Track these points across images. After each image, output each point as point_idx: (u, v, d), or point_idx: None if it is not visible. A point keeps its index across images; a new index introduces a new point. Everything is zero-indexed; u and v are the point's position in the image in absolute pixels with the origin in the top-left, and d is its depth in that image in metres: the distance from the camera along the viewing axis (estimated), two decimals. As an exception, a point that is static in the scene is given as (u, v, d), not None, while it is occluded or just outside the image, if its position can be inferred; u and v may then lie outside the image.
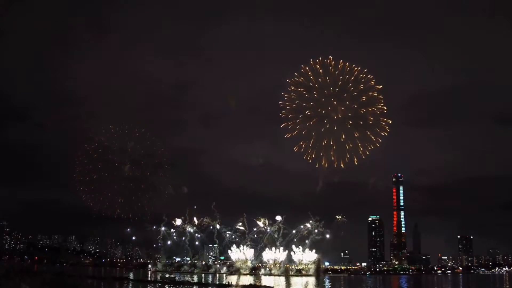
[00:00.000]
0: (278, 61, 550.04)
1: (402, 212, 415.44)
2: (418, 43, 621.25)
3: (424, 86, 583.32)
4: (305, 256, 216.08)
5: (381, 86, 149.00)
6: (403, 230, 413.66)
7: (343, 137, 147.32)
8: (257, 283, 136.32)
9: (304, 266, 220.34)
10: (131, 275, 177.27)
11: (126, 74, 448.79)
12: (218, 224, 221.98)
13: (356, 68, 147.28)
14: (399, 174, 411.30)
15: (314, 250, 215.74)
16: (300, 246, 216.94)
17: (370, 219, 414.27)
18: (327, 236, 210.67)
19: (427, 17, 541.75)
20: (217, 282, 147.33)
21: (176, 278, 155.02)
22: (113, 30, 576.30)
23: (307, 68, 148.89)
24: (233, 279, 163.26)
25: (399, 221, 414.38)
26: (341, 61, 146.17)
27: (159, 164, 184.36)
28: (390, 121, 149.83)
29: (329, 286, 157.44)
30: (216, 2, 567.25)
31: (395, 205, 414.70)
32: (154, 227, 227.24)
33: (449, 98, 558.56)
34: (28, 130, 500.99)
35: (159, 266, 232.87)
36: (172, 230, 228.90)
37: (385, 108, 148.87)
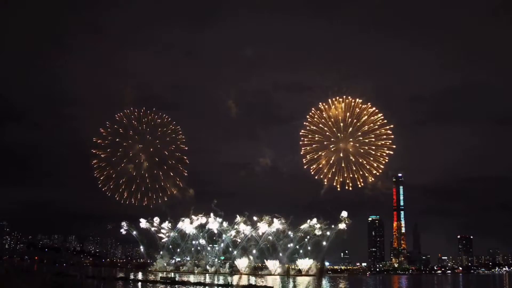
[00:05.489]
0: (278, 61, 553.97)
1: (402, 212, 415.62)
2: (418, 43, 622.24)
3: (424, 86, 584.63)
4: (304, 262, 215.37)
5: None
6: (403, 230, 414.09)
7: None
8: (258, 283, 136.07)
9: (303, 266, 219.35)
10: (131, 275, 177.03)
11: (125, 74, 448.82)
12: (219, 224, 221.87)
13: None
14: (399, 174, 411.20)
15: (315, 250, 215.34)
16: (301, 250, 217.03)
17: (370, 219, 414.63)
18: (330, 236, 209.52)
19: (427, 17, 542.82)
20: (218, 282, 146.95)
21: (176, 278, 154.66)
22: (112, 31, 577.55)
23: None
24: (233, 279, 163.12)
25: (399, 221, 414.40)
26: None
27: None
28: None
29: (329, 286, 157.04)
30: (213, 2, 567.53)
31: (395, 205, 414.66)
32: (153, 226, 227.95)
33: (449, 98, 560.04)
34: (26, 130, 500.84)
35: (159, 266, 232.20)
36: (172, 229, 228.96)
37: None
